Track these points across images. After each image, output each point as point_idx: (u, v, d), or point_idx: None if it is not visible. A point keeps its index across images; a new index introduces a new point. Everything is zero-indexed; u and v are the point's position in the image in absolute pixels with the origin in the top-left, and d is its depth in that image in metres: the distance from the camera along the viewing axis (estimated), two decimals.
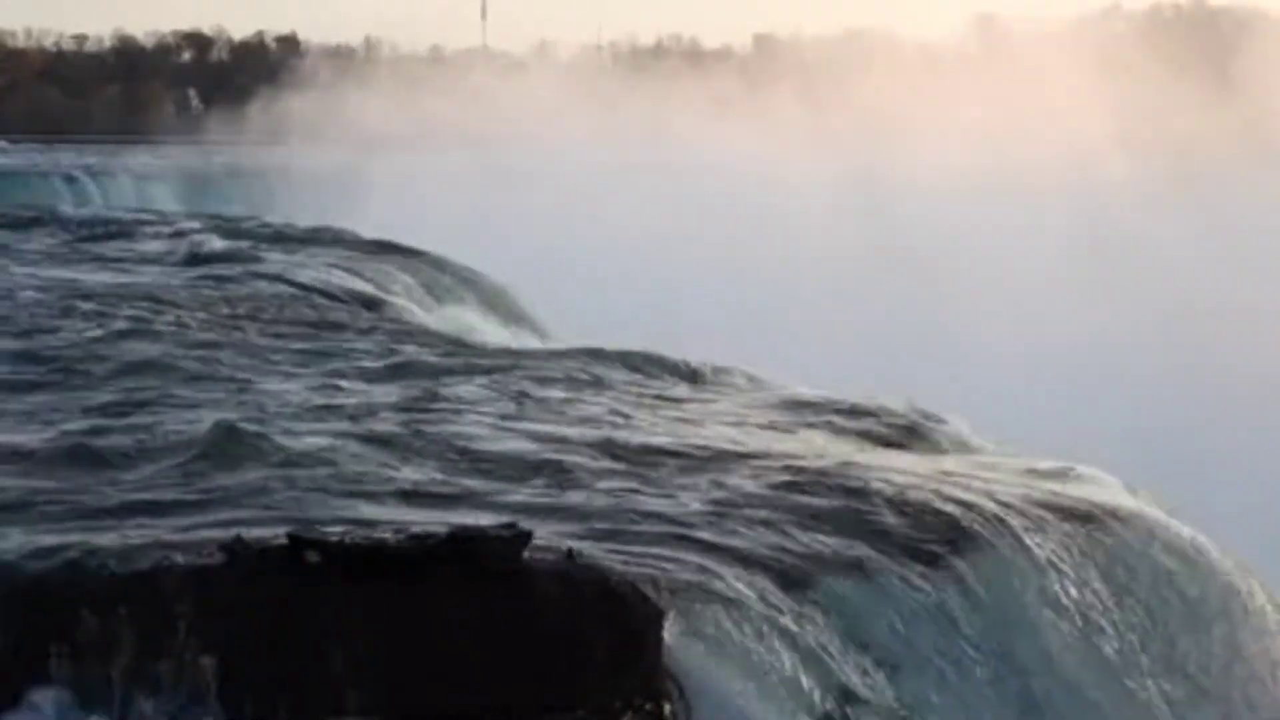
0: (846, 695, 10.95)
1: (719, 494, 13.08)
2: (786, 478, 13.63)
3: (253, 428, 14.35)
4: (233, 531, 10.70)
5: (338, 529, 10.75)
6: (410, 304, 25.84)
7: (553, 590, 10.20)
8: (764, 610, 11.11)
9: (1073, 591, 12.80)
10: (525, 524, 10.78)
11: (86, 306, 21.28)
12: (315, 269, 27.13)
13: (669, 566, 11.23)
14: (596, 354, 19.24)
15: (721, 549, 11.75)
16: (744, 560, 11.64)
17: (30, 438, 13.97)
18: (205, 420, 14.65)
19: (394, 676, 9.84)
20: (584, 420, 15.44)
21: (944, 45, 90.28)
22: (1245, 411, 37.47)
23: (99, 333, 19.38)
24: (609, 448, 14.34)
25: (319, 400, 15.95)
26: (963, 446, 16.05)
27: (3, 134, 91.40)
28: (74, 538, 10.97)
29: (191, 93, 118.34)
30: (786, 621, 11.12)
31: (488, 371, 17.73)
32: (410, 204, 51.87)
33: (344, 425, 14.73)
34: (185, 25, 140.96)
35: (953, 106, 61.46)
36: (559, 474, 13.37)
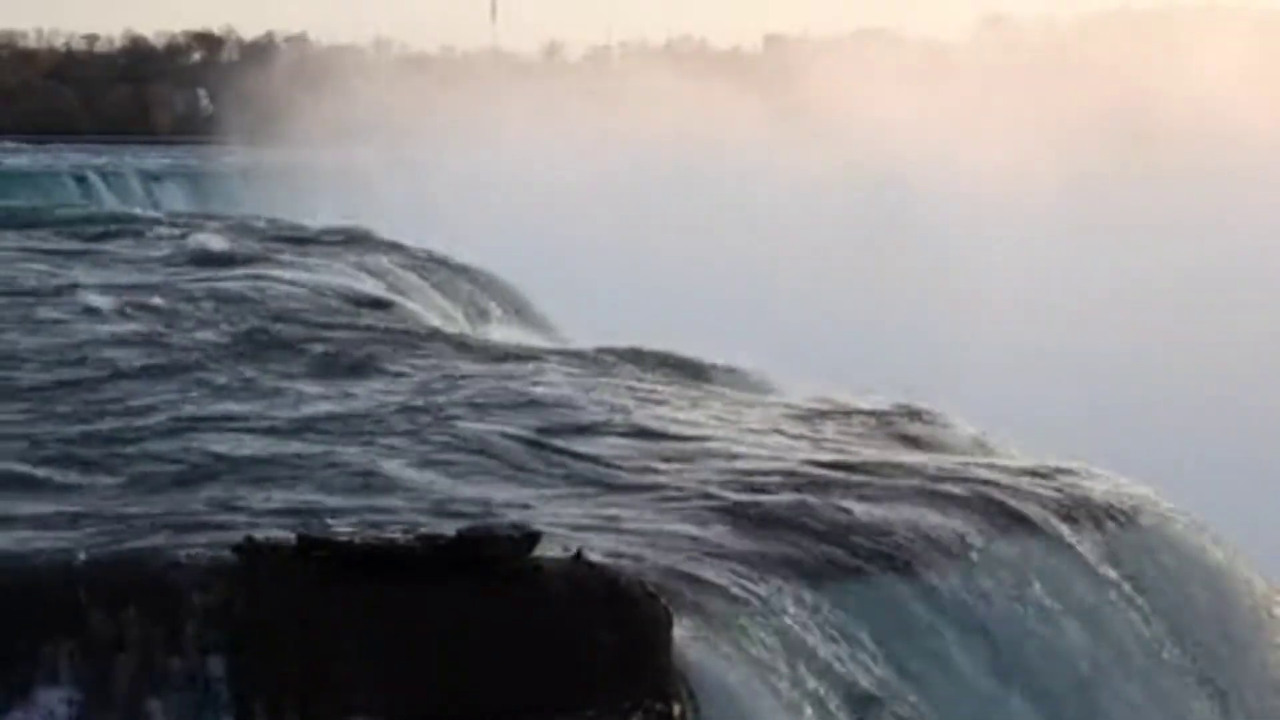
0: (856, 696, 10.95)
1: (729, 494, 13.07)
2: (797, 478, 13.63)
3: (263, 428, 14.37)
4: (242, 531, 10.70)
5: (347, 529, 10.76)
6: (418, 303, 25.84)
7: (561, 591, 10.20)
8: (774, 610, 11.10)
9: (1085, 591, 12.80)
10: (534, 524, 10.78)
11: (93, 307, 21.29)
12: (324, 270, 27.15)
13: (678, 567, 11.22)
14: (606, 354, 19.24)
15: (731, 549, 11.75)
16: (753, 560, 11.64)
17: (39, 440, 13.98)
18: (214, 421, 14.68)
19: (403, 677, 9.84)
20: (592, 420, 15.43)
21: (953, 45, 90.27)
22: (1257, 411, 37.45)
23: (106, 334, 19.39)
24: (618, 448, 14.34)
25: (328, 401, 15.96)
26: (974, 446, 16.04)
27: (13, 134, 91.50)
28: (83, 537, 10.98)
29: (201, 93, 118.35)
30: (796, 622, 11.11)
31: (495, 372, 17.73)
32: (420, 204, 51.86)
33: (353, 426, 14.73)
34: (195, 25, 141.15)
35: (962, 105, 61.45)
36: (566, 474, 13.37)
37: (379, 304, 23.99)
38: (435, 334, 21.27)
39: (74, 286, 23.52)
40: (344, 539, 10.33)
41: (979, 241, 50.71)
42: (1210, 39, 66.48)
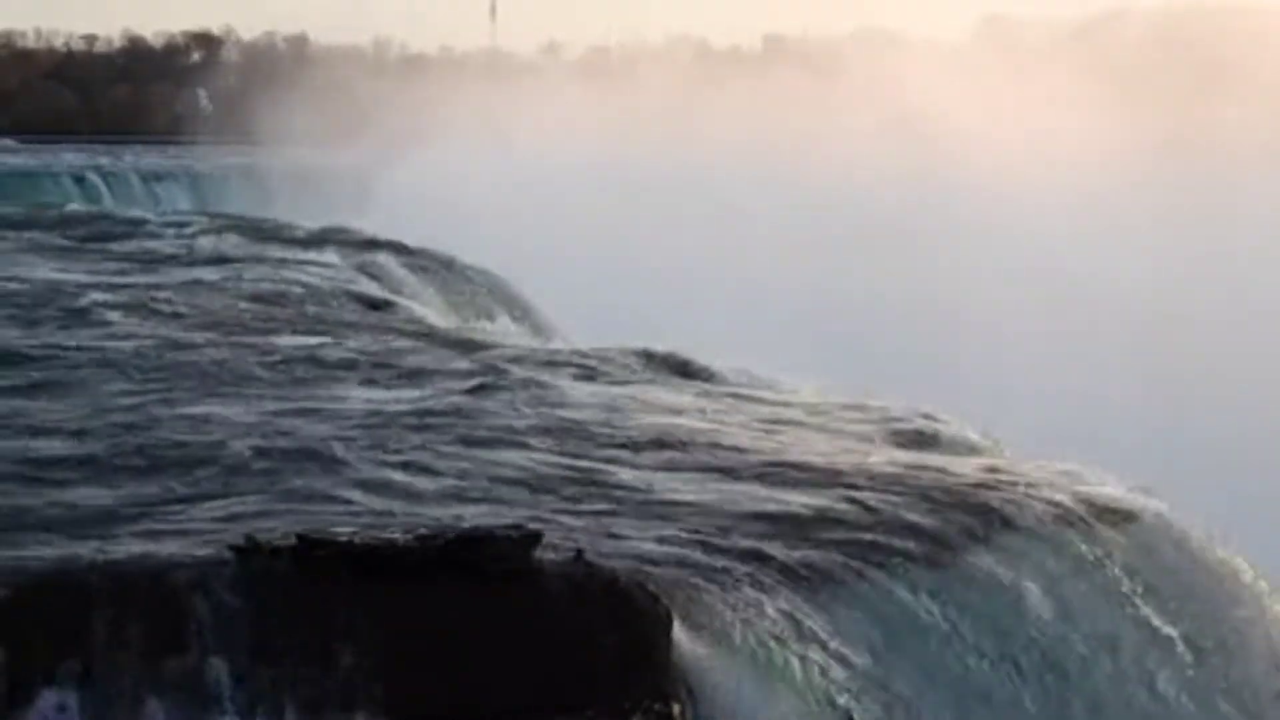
0: (855, 696, 10.95)
1: (729, 494, 13.08)
2: (796, 478, 13.63)
3: (262, 428, 14.37)
4: (242, 532, 10.70)
5: (347, 529, 10.76)
6: (419, 304, 25.84)
7: (562, 591, 10.20)
8: (773, 610, 11.10)
9: (1084, 593, 12.80)
10: (534, 525, 10.79)
11: (92, 307, 21.28)
12: (322, 270, 27.15)
13: (678, 567, 11.23)
14: (604, 354, 19.24)
15: (731, 549, 11.75)
16: (754, 561, 11.64)
17: (39, 441, 13.99)
18: (214, 421, 14.68)
19: (403, 676, 9.84)
20: (592, 421, 15.43)
21: (953, 45, 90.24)
22: (1242, 411, 37.50)
23: (105, 334, 19.39)
24: (618, 448, 14.34)
25: (328, 402, 15.96)
26: (970, 448, 16.04)
27: (13, 134, 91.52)
28: (84, 539, 10.99)
29: (201, 93, 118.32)
30: (796, 622, 11.12)
31: (496, 372, 17.72)
32: (419, 204, 51.86)
33: (353, 426, 14.73)
34: (194, 26, 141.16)
35: (966, 104, 61.46)
36: (567, 474, 13.37)
37: (378, 304, 23.99)
38: (435, 334, 21.26)
39: (73, 286, 23.51)
40: (344, 539, 10.34)
41: (979, 242, 50.73)
42: (1209, 40, 66.48)
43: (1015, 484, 13.91)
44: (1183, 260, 48.31)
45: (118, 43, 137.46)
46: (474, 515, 11.74)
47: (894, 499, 13.18)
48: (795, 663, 10.85)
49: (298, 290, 24.19)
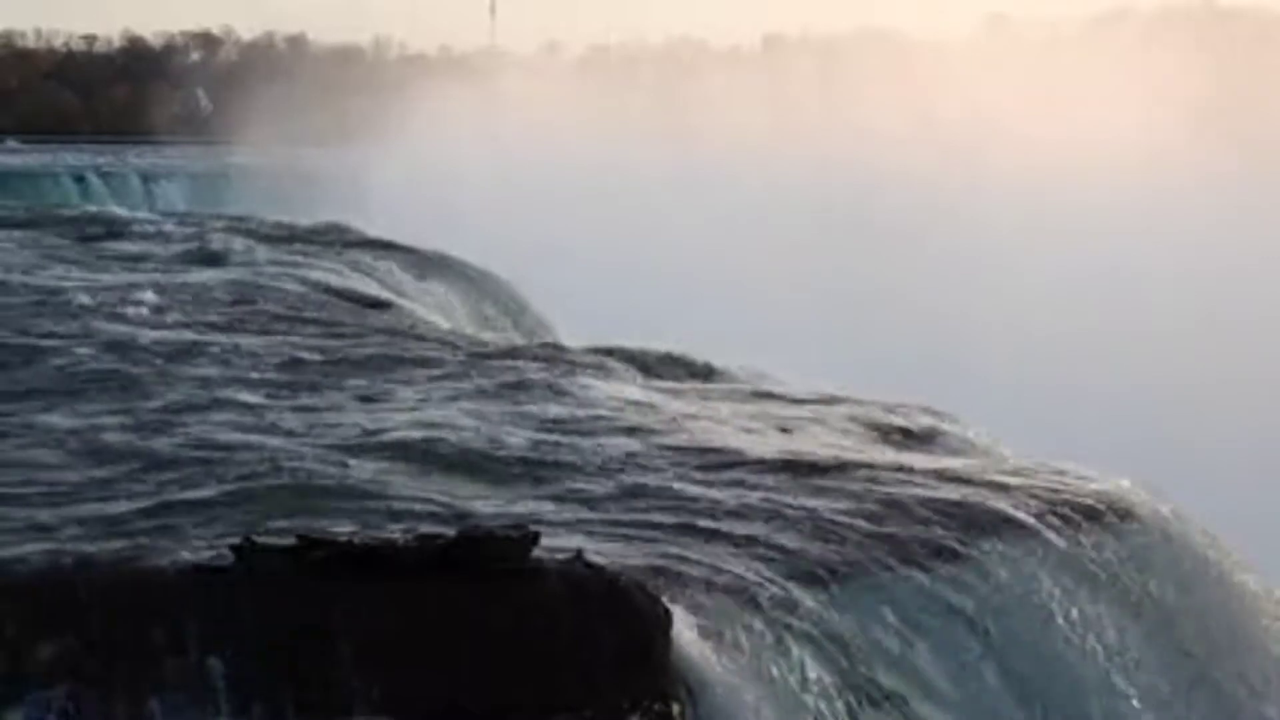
0: (857, 697, 10.94)
1: (729, 493, 13.06)
2: (798, 477, 13.62)
3: (262, 428, 14.37)
4: (241, 531, 10.69)
5: (346, 529, 10.75)
6: (418, 304, 25.83)
7: (560, 591, 10.19)
8: (774, 610, 11.09)
9: (1084, 594, 12.79)
10: (533, 524, 10.77)
11: (92, 307, 21.27)
12: (321, 270, 27.15)
13: (678, 566, 11.22)
14: (606, 353, 19.24)
15: (731, 548, 11.74)
16: (754, 560, 11.63)
17: (36, 440, 13.98)
18: (213, 421, 14.67)
19: (402, 677, 9.83)
20: (593, 420, 15.42)
21: (955, 44, 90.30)
22: (1244, 411, 37.52)
23: (104, 334, 19.37)
24: (618, 447, 14.33)
25: (327, 402, 15.95)
26: (974, 448, 16.04)
27: (12, 134, 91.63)
28: (80, 538, 10.98)
29: (200, 93, 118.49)
30: (797, 622, 11.10)
31: (495, 371, 17.71)
32: (418, 203, 51.90)
33: (353, 426, 14.72)
34: (194, 25, 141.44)
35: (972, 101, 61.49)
36: (567, 474, 13.36)
37: (377, 304, 23.98)
38: (433, 334, 21.25)
39: (72, 286, 23.50)
40: (344, 539, 10.33)
41: (980, 242, 50.77)
42: (1213, 36, 66.49)
43: (1016, 484, 13.89)
44: (1189, 259, 48.32)
45: (118, 43, 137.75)
46: (474, 515, 11.72)
47: (895, 498, 13.16)
48: (796, 663, 10.84)
49: (295, 290, 24.18)
